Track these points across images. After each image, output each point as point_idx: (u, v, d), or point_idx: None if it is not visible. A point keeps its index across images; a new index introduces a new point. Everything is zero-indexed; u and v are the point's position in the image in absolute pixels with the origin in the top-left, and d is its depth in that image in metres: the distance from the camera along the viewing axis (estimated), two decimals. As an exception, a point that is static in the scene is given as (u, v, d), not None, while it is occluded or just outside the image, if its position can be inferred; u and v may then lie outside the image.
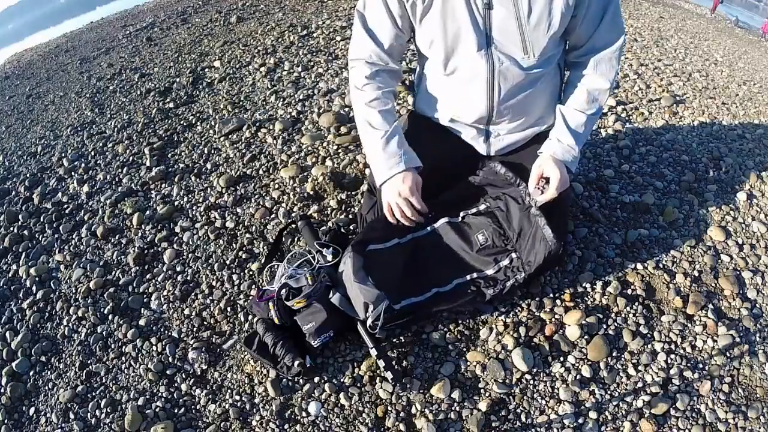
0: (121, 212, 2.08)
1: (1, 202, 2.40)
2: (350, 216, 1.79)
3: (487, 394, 1.25)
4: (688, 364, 1.28)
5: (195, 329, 1.52)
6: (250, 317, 1.50)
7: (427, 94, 1.50)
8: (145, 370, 1.44)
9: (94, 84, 3.70)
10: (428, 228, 1.47)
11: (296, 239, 1.72)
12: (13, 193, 2.46)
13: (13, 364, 1.54)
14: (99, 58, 4.41)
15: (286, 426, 1.24)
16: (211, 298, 1.61)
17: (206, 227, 1.88)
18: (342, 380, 1.30)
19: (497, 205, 1.44)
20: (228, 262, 1.71)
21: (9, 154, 2.92)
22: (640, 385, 1.24)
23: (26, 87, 4.24)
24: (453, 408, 1.23)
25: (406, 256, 1.43)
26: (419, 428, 1.19)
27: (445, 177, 1.49)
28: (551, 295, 1.45)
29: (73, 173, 2.47)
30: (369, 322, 1.24)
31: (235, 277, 1.65)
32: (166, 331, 1.54)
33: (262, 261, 1.66)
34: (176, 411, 1.32)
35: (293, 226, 1.75)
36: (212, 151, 2.37)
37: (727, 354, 1.30)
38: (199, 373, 1.40)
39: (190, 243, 1.83)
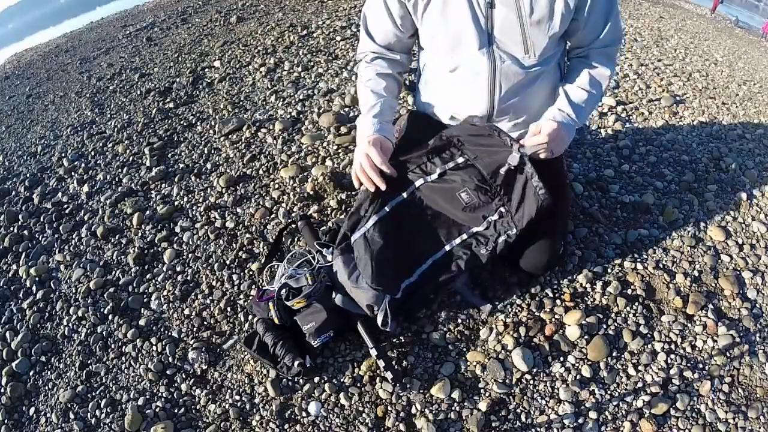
0: (121, 212, 2.08)
1: (1, 202, 2.40)
2: (350, 216, 1.80)
3: (487, 394, 1.25)
4: (688, 364, 1.28)
5: (195, 329, 1.52)
6: (250, 317, 1.50)
7: (427, 92, 1.51)
8: (145, 370, 1.44)
9: (94, 84, 3.71)
10: (404, 194, 1.38)
11: (296, 239, 1.72)
12: (13, 193, 2.46)
13: (13, 364, 1.54)
14: (99, 58, 4.42)
15: (286, 426, 1.24)
16: (211, 298, 1.61)
17: (206, 227, 1.88)
18: (342, 380, 1.30)
19: (475, 155, 1.37)
20: (228, 262, 1.71)
21: (9, 154, 2.92)
22: (640, 385, 1.24)
23: (26, 87, 4.25)
24: (453, 408, 1.23)
25: (392, 231, 1.34)
26: (419, 428, 1.19)
27: None
28: (551, 295, 1.45)
29: (73, 173, 2.47)
30: (379, 320, 1.26)
31: (235, 277, 1.65)
32: (166, 331, 1.54)
33: (262, 261, 1.66)
34: (176, 411, 1.33)
35: (293, 226, 1.75)
36: (212, 151, 2.37)
37: (727, 354, 1.30)
38: (199, 373, 1.40)
39: (190, 243, 1.83)
